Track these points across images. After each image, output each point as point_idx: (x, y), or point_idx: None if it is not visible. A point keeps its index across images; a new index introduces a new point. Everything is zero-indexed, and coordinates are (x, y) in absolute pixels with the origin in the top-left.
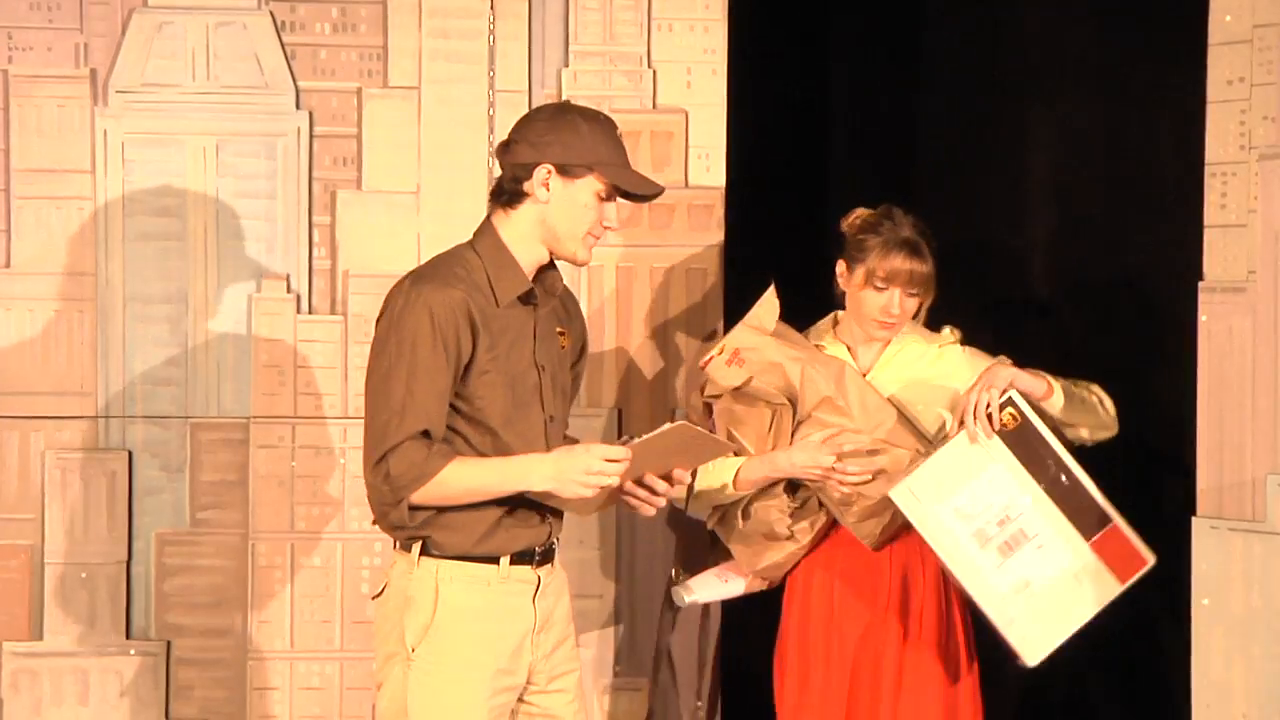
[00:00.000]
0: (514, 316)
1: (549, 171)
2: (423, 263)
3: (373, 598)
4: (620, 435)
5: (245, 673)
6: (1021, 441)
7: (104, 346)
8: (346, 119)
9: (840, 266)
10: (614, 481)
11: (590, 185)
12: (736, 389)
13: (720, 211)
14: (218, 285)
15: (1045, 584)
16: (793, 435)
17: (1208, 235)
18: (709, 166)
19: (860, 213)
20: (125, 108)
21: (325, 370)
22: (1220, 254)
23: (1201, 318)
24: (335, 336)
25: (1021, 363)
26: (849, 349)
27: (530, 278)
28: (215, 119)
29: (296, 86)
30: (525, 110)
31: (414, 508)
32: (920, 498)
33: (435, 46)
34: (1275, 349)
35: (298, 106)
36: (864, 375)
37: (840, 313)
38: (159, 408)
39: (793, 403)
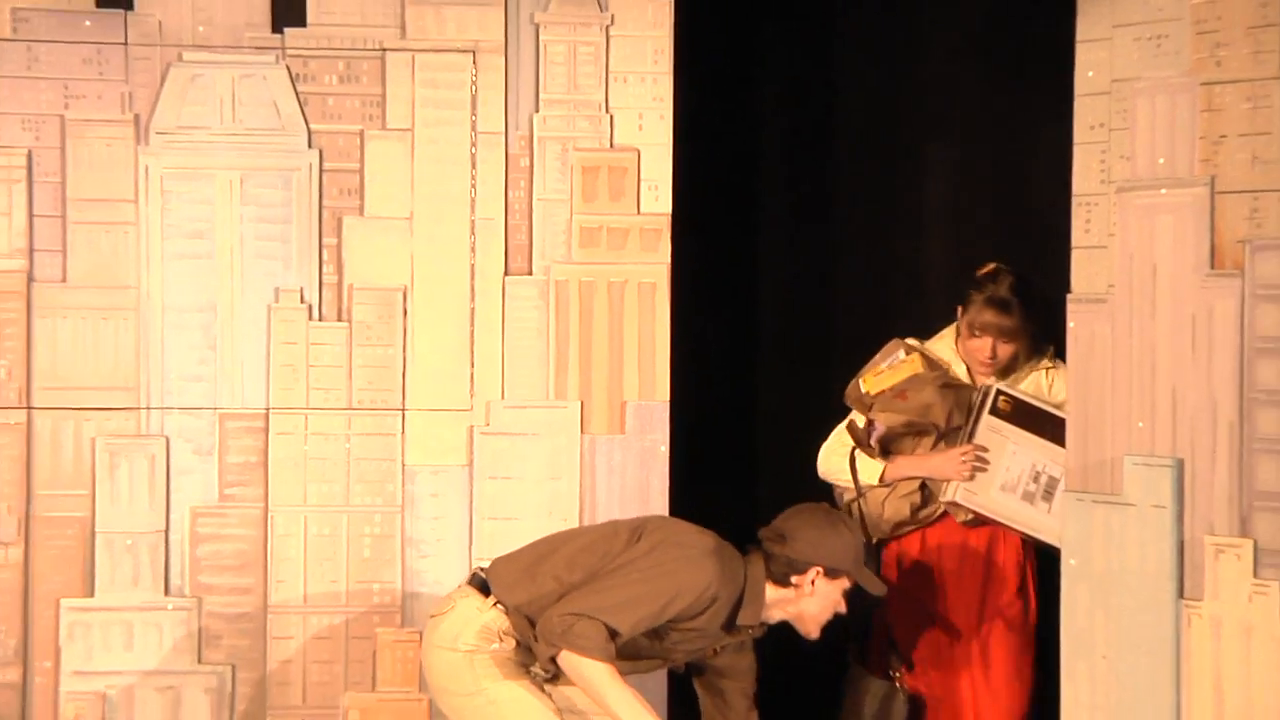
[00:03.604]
0: (722, 619)
1: (818, 573)
2: (720, 543)
3: (432, 615)
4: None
5: (265, 624)
6: (1020, 414)
7: (145, 349)
8: (351, 156)
9: (960, 309)
10: None
11: (843, 584)
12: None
13: (667, 234)
14: (242, 297)
15: None
16: (933, 448)
17: (1075, 255)
18: (658, 196)
19: (985, 267)
20: (164, 147)
21: (333, 369)
22: (1085, 271)
23: (1070, 325)
24: (341, 340)
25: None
26: (968, 370)
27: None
28: (240, 156)
29: (308, 128)
30: (501, 149)
31: (552, 659)
32: (974, 491)
33: (426, 95)
34: (1130, 351)
35: (309, 145)
36: None
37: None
38: (192, 400)
39: (936, 427)
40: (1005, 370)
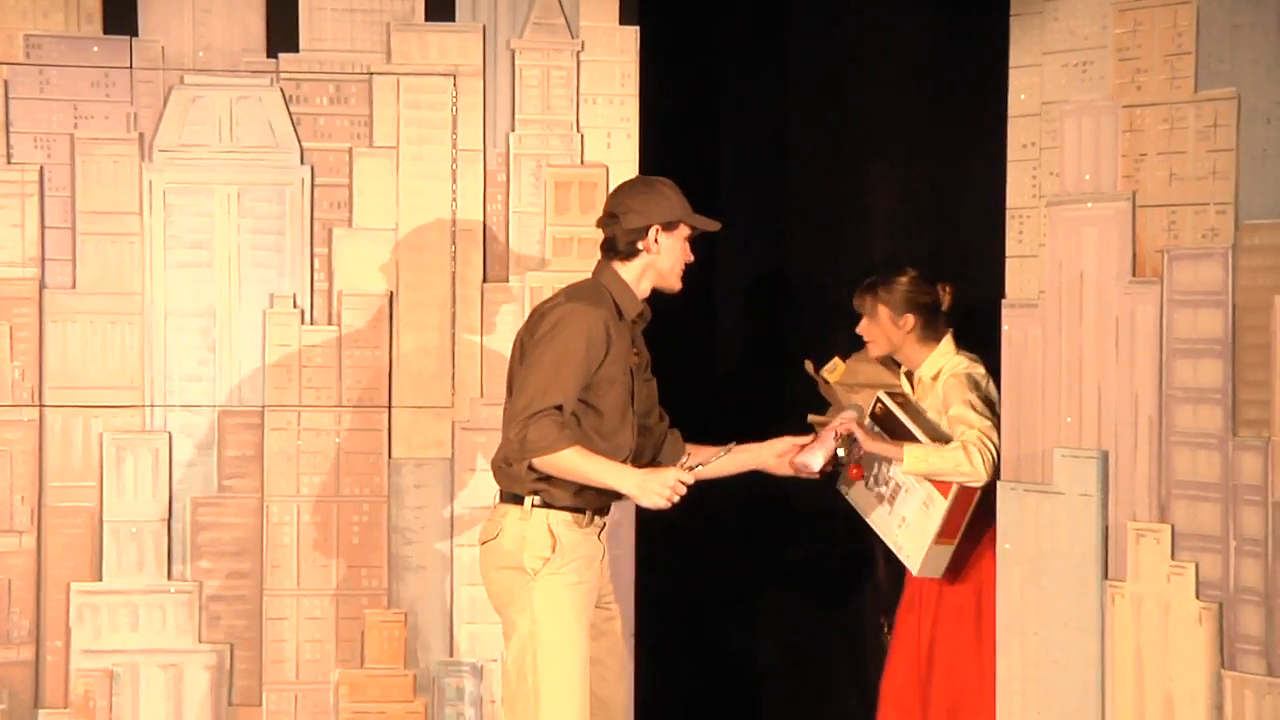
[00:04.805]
0: (626, 330)
1: (657, 230)
2: (568, 288)
3: (482, 543)
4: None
5: (261, 606)
6: (887, 422)
7: (149, 351)
8: (340, 172)
9: None
10: (678, 496)
11: (682, 232)
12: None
13: None
14: (239, 302)
15: (911, 515)
16: None
17: (1008, 264)
18: None
19: None
20: (166, 163)
21: (324, 369)
22: (1018, 278)
23: (1005, 328)
24: (332, 342)
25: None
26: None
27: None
28: (237, 172)
29: (301, 146)
30: (480, 165)
31: (531, 469)
32: (847, 483)
33: (410, 115)
34: (1060, 351)
35: (302, 162)
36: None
37: None
38: (192, 398)
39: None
40: (890, 358)
